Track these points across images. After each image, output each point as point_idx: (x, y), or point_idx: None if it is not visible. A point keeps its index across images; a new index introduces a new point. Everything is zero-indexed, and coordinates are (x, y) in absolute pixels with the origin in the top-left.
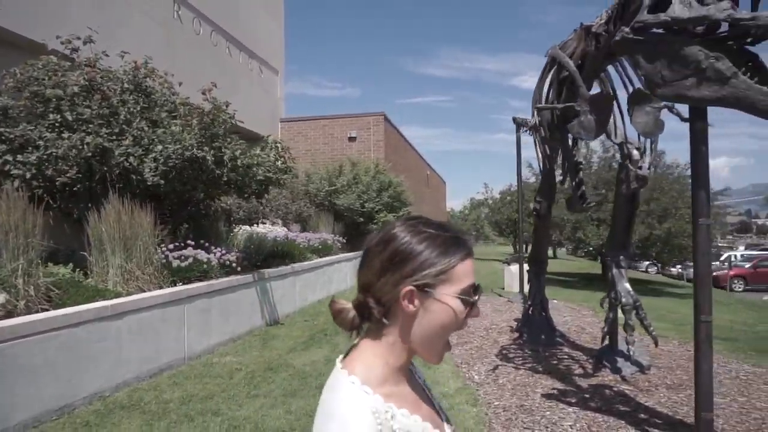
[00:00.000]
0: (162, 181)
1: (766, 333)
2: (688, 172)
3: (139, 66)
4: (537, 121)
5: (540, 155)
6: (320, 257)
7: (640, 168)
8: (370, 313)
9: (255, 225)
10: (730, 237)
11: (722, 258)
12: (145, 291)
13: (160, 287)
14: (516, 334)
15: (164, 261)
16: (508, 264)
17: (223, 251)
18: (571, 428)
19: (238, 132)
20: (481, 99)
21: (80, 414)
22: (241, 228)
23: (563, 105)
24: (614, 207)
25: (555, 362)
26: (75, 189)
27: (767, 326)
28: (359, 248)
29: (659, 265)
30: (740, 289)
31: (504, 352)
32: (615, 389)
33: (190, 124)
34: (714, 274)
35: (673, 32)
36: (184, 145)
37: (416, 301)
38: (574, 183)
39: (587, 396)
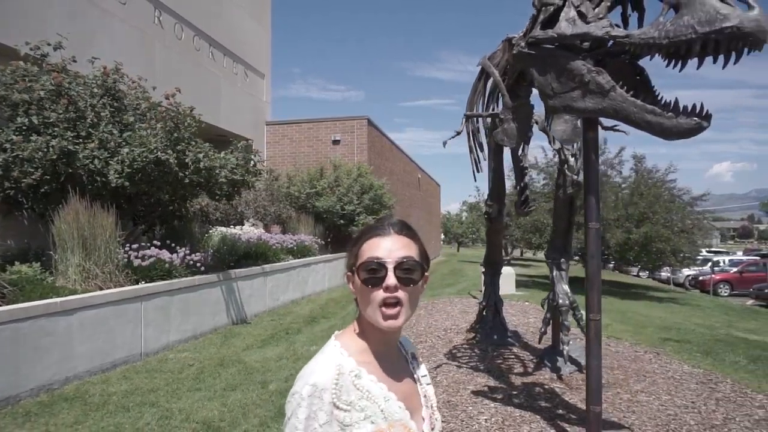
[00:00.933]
0: (127, 183)
1: (724, 336)
2: (669, 177)
3: (108, 72)
4: (474, 128)
5: (473, 159)
6: (296, 258)
7: (577, 174)
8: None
9: (232, 226)
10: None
11: (709, 263)
12: (103, 289)
13: (121, 285)
14: (471, 335)
15: (126, 260)
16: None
17: (188, 251)
18: (486, 422)
19: (223, 135)
20: None
21: (24, 405)
22: (216, 229)
23: (487, 113)
24: (553, 211)
25: (500, 361)
26: (42, 190)
27: (730, 330)
28: (340, 250)
29: (650, 269)
30: (726, 294)
31: (453, 351)
32: (546, 387)
33: (154, 127)
34: (700, 278)
35: (566, 48)
36: (149, 148)
37: (350, 282)
38: (518, 187)
39: (515, 393)
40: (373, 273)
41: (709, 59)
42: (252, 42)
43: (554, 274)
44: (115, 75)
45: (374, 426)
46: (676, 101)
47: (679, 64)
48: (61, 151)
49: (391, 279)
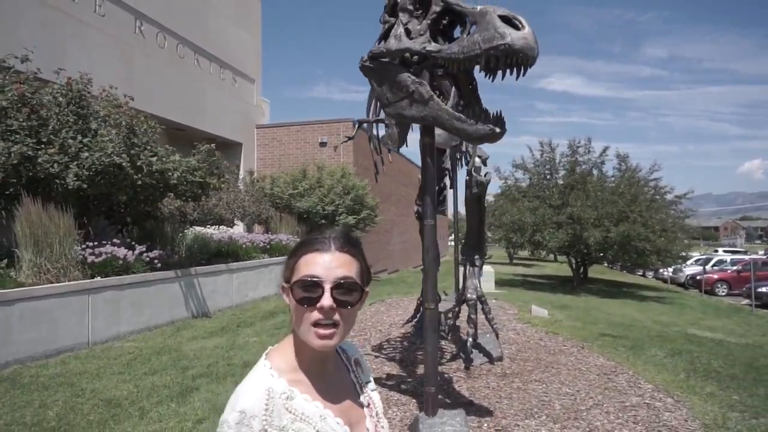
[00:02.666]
0: (85, 186)
1: (671, 333)
2: (652, 176)
3: (71, 82)
4: (371, 133)
5: (374, 162)
6: (270, 257)
7: (484, 175)
8: None
9: (208, 226)
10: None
11: (712, 262)
12: (53, 283)
13: (73, 280)
14: (407, 329)
15: (82, 257)
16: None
17: (143, 249)
18: None
19: (213, 139)
20: (505, 102)
21: None
22: (192, 229)
23: (375, 119)
24: (465, 211)
25: (420, 353)
26: (7, 192)
27: (688, 327)
28: None
29: (628, 268)
30: (723, 293)
31: (383, 343)
32: (447, 376)
33: (110, 133)
34: (698, 277)
35: (403, 62)
36: (106, 153)
37: (285, 295)
38: (437, 187)
39: (410, 380)
40: (309, 292)
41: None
42: (240, 48)
43: (467, 270)
44: (78, 85)
45: None
46: (482, 110)
47: (491, 77)
48: (21, 156)
49: (326, 300)
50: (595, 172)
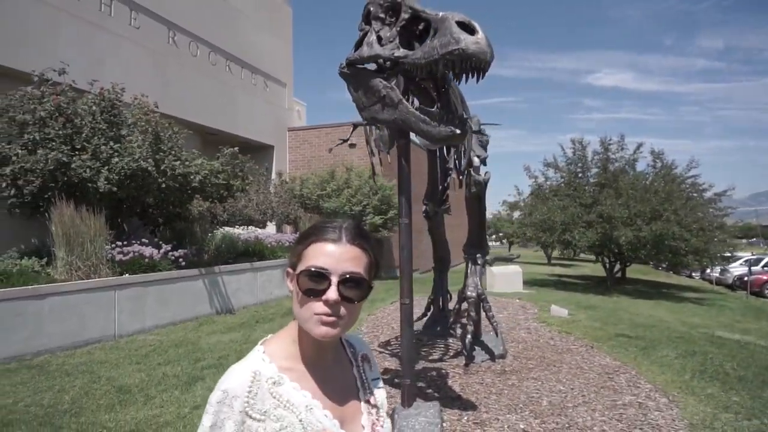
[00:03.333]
0: (115, 189)
1: (696, 335)
2: (689, 174)
3: (103, 91)
4: (368, 135)
5: (371, 163)
6: None
7: (485, 174)
8: None
9: (237, 227)
10: None
11: (762, 263)
12: (84, 280)
13: (103, 277)
14: (416, 327)
15: (111, 256)
16: (490, 265)
17: (169, 248)
18: None
19: (244, 142)
20: (552, 99)
21: None
22: (222, 229)
23: (366, 122)
24: (466, 209)
25: (426, 349)
26: (46, 196)
27: (718, 330)
28: None
29: (702, 270)
30: None
31: (391, 340)
32: (444, 371)
33: (137, 139)
34: (745, 279)
35: (379, 68)
36: (134, 158)
37: (289, 281)
38: (441, 187)
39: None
40: (315, 283)
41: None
42: (271, 54)
43: (470, 267)
44: (111, 94)
45: None
46: (450, 112)
47: (476, 77)
48: (57, 162)
49: (332, 294)
50: (628, 169)
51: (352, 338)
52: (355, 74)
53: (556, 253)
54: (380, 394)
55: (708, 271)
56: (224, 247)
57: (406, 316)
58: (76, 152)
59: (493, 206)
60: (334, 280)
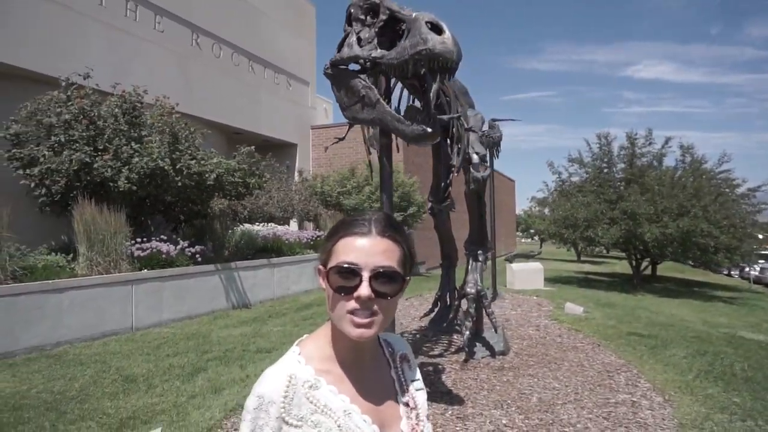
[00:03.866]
0: (134, 187)
1: (716, 335)
2: (720, 168)
3: (124, 94)
4: (363, 134)
5: (368, 161)
6: (315, 252)
7: (485, 171)
8: None
9: (257, 224)
10: None
11: None
12: (103, 274)
13: (122, 272)
14: (424, 321)
15: (129, 252)
16: (510, 262)
17: (186, 244)
18: None
19: (267, 140)
20: (590, 92)
21: (15, 359)
22: (243, 226)
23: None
24: (467, 206)
25: (429, 344)
26: (72, 194)
27: (744, 330)
28: None
29: (740, 268)
30: None
31: (397, 332)
32: (441, 367)
33: (155, 140)
34: None
35: (362, 68)
36: (152, 157)
37: (321, 278)
38: (443, 184)
39: None
40: (346, 279)
41: None
42: (295, 53)
43: (470, 264)
44: (132, 96)
45: None
46: (425, 112)
47: (446, 76)
48: (80, 162)
49: (364, 290)
50: (656, 164)
51: (390, 337)
52: (337, 75)
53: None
54: (420, 396)
55: (746, 269)
56: (243, 243)
57: None
58: (99, 153)
59: (524, 203)
60: (366, 275)
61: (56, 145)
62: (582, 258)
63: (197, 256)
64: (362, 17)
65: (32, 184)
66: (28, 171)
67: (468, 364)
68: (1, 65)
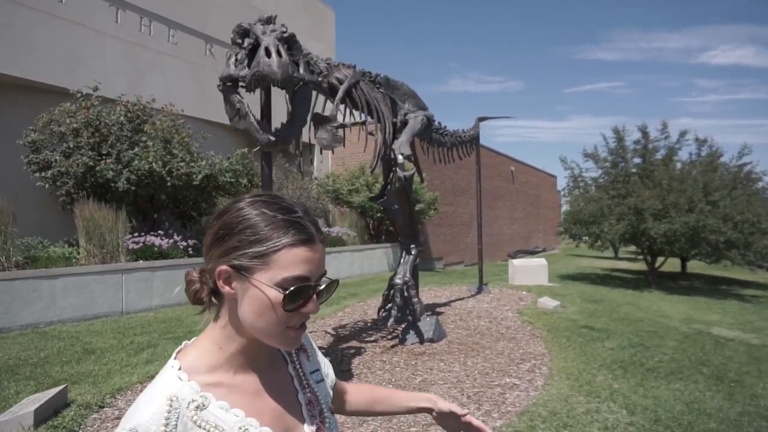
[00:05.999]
0: (133, 188)
1: (683, 331)
2: (741, 161)
3: (127, 104)
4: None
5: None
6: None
7: (407, 170)
8: (208, 293)
9: None
10: None
11: None
12: (99, 264)
13: (118, 262)
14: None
15: (125, 245)
16: (512, 257)
17: (179, 238)
18: None
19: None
20: (660, 81)
21: (11, 334)
22: None
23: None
24: (397, 203)
25: (372, 332)
26: (79, 194)
27: (719, 328)
28: (375, 241)
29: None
30: None
31: (347, 324)
32: (363, 350)
33: (147, 145)
34: None
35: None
36: (147, 160)
37: (233, 284)
38: (384, 182)
39: (336, 354)
40: (298, 297)
41: None
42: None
43: (403, 257)
44: (135, 106)
45: None
46: (264, 123)
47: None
48: (85, 166)
49: (313, 306)
50: (669, 158)
51: None
52: (223, 90)
53: (627, 248)
54: (321, 389)
55: None
56: None
57: None
58: (102, 157)
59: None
60: (314, 289)
61: (66, 150)
62: (620, 255)
63: (189, 249)
64: (239, 41)
65: (46, 185)
66: (43, 174)
67: (394, 349)
68: (26, 81)
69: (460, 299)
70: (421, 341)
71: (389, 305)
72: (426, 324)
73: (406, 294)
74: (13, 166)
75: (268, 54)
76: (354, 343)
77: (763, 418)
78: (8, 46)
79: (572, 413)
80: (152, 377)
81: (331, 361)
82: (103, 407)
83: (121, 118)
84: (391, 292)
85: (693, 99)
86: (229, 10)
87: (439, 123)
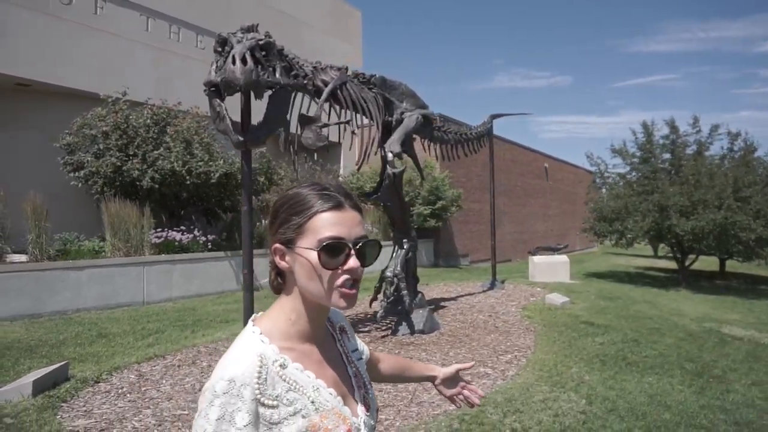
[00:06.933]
0: (157, 186)
1: (689, 329)
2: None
3: (153, 108)
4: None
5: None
6: None
7: (396, 168)
8: (275, 275)
9: None
10: None
11: None
12: (122, 257)
13: (141, 256)
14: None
15: (149, 239)
16: (532, 254)
17: (199, 233)
18: None
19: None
20: (718, 73)
21: (40, 320)
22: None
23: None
24: (390, 199)
25: (371, 324)
26: (110, 192)
27: (729, 328)
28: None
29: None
30: None
31: (347, 315)
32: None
33: (170, 146)
34: None
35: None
36: (169, 160)
37: (286, 257)
38: (379, 179)
39: None
40: (333, 255)
41: None
42: (340, 59)
43: (395, 251)
44: (161, 109)
45: (306, 420)
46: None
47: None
48: (113, 166)
49: (354, 261)
50: (700, 154)
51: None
52: (208, 95)
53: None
54: (361, 365)
55: None
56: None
57: (246, 284)
58: (129, 157)
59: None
60: (352, 247)
61: (97, 152)
62: (659, 254)
63: (209, 243)
64: (219, 49)
65: (79, 185)
66: (76, 174)
67: (384, 339)
68: (66, 89)
69: (470, 294)
70: (412, 332)
71: (373, 298)
72: (418, 316)
73: (397, 287)
74: (52, 167)
75: (234, 62)
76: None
77: (723, 412)
78: (49, 57)
79: (528, 401)
80: (149, 359)
81: None
82: (99, 382)
83: (148, 120)
84: (383, 284)
85: (754, 90)
86: (256, 14)
87: (442, 120)
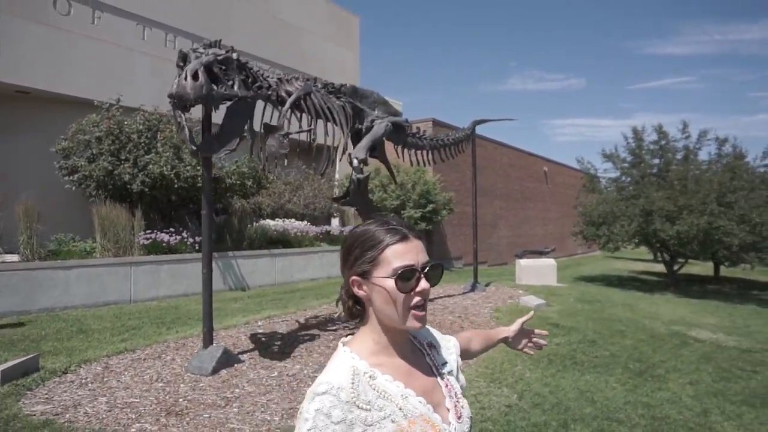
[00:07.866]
0: (146, 190)
1: (652, 331)
2: (764, 162)
3: (144, 114)
4: None
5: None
6: (329, 245)
7: (361, 173)
8: (352, 303)
9: (277, 219)
10: None
11: None
12: (111, 257)
13: (128, 256)
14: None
15: (138, 240)
16: (519, 257)
17: (186, 235)
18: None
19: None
20: (735, 75)
21: (30, 316)
22: (261, 221)
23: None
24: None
25: (330, 326)
26: (104, 195)
27: (699, 330)
28: None
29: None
30: None
31: (321, 315)
32: (320, 337)
33: (159, 151)
34: None
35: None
36: (159, 164)
37: (364, 287)
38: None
39: (290, 338)
40: (407, 281)
41: None
42: (340, 64)
43: None
44: (153, 116)
45: (395, 425)
46: (207, 136)
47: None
48: (105, 170)
49: (425, 284)
50: (686, 159)
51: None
52: (172, 106)
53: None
54: (451, 378)
55: None
56: (256, 236)
57: (205, 282)
58: (121, 162)
59: None
60: (420, 272)
61: (90, 156)
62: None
63: (196, 245)
64: (181, 64)
65: (73, 188)
66: (70, 177)
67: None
68: (65, 96)
69: (448, 296)
70: None
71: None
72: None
73: None
74: (50, 171)
75: (186, 78)
76: (315, 331)
77: (646, 407)
78: (49, 65)
79: None
80: (119, 353)
81: (281, 343)
82: (66, 373)
83: (140, 126)
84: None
85: None
86: (254, 23)
87: (418, 127)
